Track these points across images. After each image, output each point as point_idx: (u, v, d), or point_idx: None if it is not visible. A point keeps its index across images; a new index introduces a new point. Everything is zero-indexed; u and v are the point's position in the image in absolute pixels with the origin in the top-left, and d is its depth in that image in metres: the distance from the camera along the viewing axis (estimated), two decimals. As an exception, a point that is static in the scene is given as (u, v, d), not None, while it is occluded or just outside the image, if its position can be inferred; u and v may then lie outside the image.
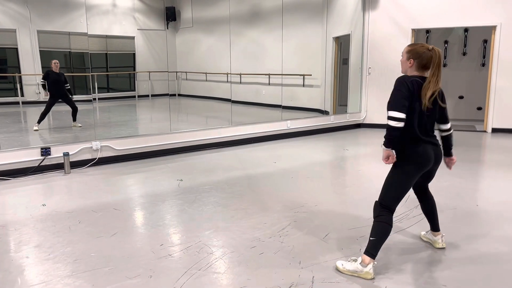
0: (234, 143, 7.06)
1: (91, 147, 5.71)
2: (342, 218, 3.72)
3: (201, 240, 3.26)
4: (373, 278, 2.68)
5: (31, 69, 11.86)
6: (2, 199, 4.33)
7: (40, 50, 12.31)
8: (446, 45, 9.67)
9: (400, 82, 2.64)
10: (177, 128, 7.01)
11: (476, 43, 9.48)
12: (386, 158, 2.67)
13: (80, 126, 7.71)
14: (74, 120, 7.90)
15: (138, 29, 14.09)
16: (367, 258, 2.69)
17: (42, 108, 12.41)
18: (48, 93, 7.71)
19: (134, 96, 14.11)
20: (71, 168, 5.42)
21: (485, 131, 8.25)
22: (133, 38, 14.11)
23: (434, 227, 3.12)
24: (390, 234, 2.74)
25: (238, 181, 4.95)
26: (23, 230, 3.49)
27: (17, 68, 11.71)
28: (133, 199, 4.36)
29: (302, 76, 10.81)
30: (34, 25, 12.17)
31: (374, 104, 8.78)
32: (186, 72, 14.07)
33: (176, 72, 14.39)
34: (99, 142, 5.76)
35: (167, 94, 14.61)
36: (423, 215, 3.28)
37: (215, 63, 13.40)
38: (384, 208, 2.72)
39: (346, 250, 3.09)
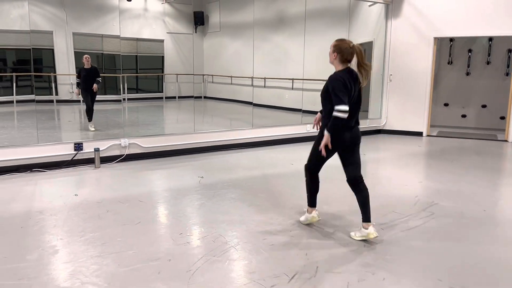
0: (254, 145, 7.34)
1: (120, 144, 6.09)
2: (351, 217, 3.93)
3: (217, 231, 3.54)
4: (317, 221, 3.62)
5: (65, 69, 12.47)
6: (39, 189, 4.73)
7: (74, 52, 12.92)
8: (470, 53, 9.69)
9: (337, 80, 3.16)
10: (201, 129, 7.32)
11: (500, 52, 9.46)
12: (324, 145, 3.20)
13: (94, 130, 7.58)
14: (90, 119, 7.90)
15: (167, 33, 14.57)
16: (309, 208, 3.66)
17: (74, 106, 13.03)
18: (79, 90, 7.99)
19: (161, 98, 14.57)
20: (101, 163, 5.80)
21: (506, 141, 8.25)
22: (162, 41, 14.60)
23: (366, 218, 3.35)
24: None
25: (256, 180, 5.21)
26: (58, 216, 3.85)
27: (53, 68, 12.35)
28: (157, 192, 4.68)
29: (324, 82, 10.93)
30: (70, 27, 12.77)
31: (394, 110, 8.90)
32: (212, 75, 14.42)
33: (203, 75, 14.77)
34: (127, 139, 6.14)
35: (193, 96, 15.05)
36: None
37: (240, 67, 13.71)
38: (308, 171, 3.57)
39: (352, 245, 3.30)
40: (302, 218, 3.72)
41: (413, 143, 8.01)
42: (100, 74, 14.54)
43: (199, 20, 14.79)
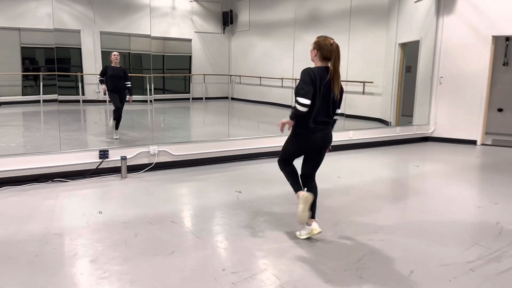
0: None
1: (149, 152, 5.56)
2: (425, 251, 3.25)
3: (267, 267, 2.92)
4: (318, 233, 3.33)
5: (92, 68, 12.12)
6: (60, 203, 4.22)
7: (102, 51, 12.58)
8: (528, 54, 8.81)
9: (304, 72, 3.11)
10: (231, 133, 6.73)
11: None
12: (283, 125, 3.16)
13: (117, 138, 6.99)
14: (117, 127, 7.18)
15: (195, 32, 14.06)
16: (298, 192, 3.39)
17: (100, 106, 12.67)
18: (105, 87, 7.13)
19: (188, 98, 14.12)
20: (128, 172, 5.28)
21: None
22: (190, 40, 14.11)
23: (312, 214, 3.39)
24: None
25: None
26: (79, 241, 3.31)
27: (80, 68, 12.02)
28: (191, 210, 4.11)
29: (362, 83, 10.28)
30: (97, 26, 12.44)
31: (444, 116, 8.10)
32: (240, 76, 13.84)
33: (230, 75, 14.24)
34: (156, 146, 5.60)
35: (220, 97, 14.52)
36: None
37: (269, 68, 13.11)
38: (281, 163, 3.49)
39: (436, 292, 2.64)
40: (302, 232, 3.44)
41: (467, 153, 7.22)
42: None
43: (227, 19, 14.31)
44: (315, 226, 3.33)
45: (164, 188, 4.86)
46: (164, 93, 14.43)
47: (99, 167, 5.21)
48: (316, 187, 3.46)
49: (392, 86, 9.09)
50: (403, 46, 8.79)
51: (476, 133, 7.87)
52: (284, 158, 3.46)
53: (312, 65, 3.26)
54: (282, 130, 3.18)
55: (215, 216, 3.94)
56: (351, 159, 6.65)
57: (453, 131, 8.02)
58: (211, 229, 3.64)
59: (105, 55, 12.76)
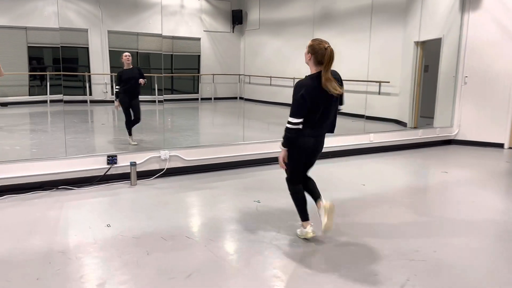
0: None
1: (159, 157, 5.21)
2: (474, 273, 2.87)
3: (298, 294, 2.56)
4: (314, 235, 3.34)
5: (99, 68, 11.84)
6: (65, 214, 3.88)
7: (109, 50, 12.30)
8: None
9: (298, 89, 3.02)
10: (243, 135, 6.36)
11: None
12: (283, 160, 3.22)
13: (136, 144, 6.36)
14: (130, 132, 6.52)
15: (204, 31, 13.72)
16: (303, 222, 3.37)
17: (108, 107, 12.39)
18: (118, 102, 6.43)
19: (197, 99, 13.81)
20: (137, 179, 4.94)
21: None
22: (199, 39, 13.77)
23: (317, 197, 3.35)
24: None
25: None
26: (85, 260, 2.97)
27: (87, 67, 11.74)
28: (207, 224, 3.75)
29: (378, 83, 9.89)
30: (105, 25, 12.16)
31: (469, 118, 7.68)
32: (249, 76, 13.47)
33: (239, 75, 13.91)
34: (167, 151, 5.25)
35: (230, 98, 14.18)
36: None
37: (281, 67, 12.75)
38: (290, 183, 3.40)
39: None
40: (298, 232, 3.47)
41: (495, 157, 6.80)
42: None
43: (237, 18, 13.98)
44: (326, 202, 3.23)
45: (176, 197, 4.51)
46: (172, 93, 14.14)
47: (107, 173, 4.88)
48: (311, 179, 3.47)
49: (410, 86, 8.70)
50: (421, 44, 8.40)
51: (503, 136, 7.44)
52: (291, 175, 3.37)
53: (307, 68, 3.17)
54: (283, 166, 3.25)
55: (234, 230, 3.58)
56: (373, 164, 6.27)
57: (478, 134, 7.60)
58: (230, 247, 3.29)
59: (113, 54, 12.52)
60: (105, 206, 4.14)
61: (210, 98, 13.88)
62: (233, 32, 14.18)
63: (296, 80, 3.13)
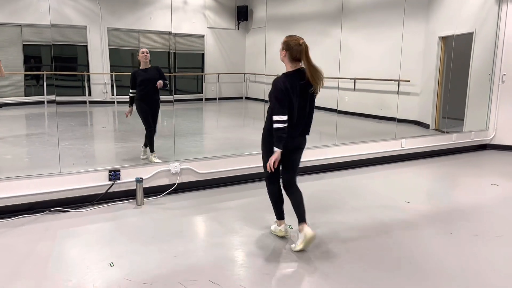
0: (335, 167, 5.61)
1: (169, 170, 4.50)
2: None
3: None
4: (286, 235, 3.36)
5: (99, 67, 11.13)
6: (58, 248, 3.15)
7: (109, 48, 11.61)
8: None
9: (276, 86, 2.97)
10: (252, 139, 5.64)
11: None
12: (274, 163, 2.99)
13: (159, 161, 4.88)
14: (152, 149, 5.20)
15: (208, 28, 12.98)
16: (278, 221, 3.37)
17: (107, 108, 11.67)
18: (132, 109, 5.30)
19: (201, 99, 13.11)
20: (144, 197, 4.22)
21: None
22: (202, 36, 13.03)
23: (302, 217, 3.14)
24: None
25: (367, 232, 3.49)
26: (82, 322, 2.25)
27: (86, 66, 11.04)
28: (234, 261, 3.02)
29: (397, 82, 9.19)
30: (104, 22, 11.46)
31: (507, 120, 6.96)
32: (255, 74, 12.75)
33: (244, 74, 13.20)
34: (178, 163, 4.53)
35: (235, 98, 13.47)
36: None
37: None
38: (266, 181, 3.29)
39: None
40: (272, 228, 3.49)
41: (542, 165, 6.08)
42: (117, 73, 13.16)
43: (242, 15, 13.27)
44: (307, 230, 3.07)
45: (191, 221, 3.79)
46: (175, 94, 13.43)
47: (109, 191, 4.17)
48: (300, 193, 3.21)
49: (434, 85, 8.00)
50: (445, 39, 7.71)
51: (546, 141, 6.73)
52: (264, 170, 3.19)
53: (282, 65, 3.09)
54: (274, 168, 3.01)
55: (271, 270, 2.86)
56: (409, 174, 5.55)
57: (518, 138, 6.88)
58: (268, 295, 2.57)
59: (113, 52, 11.80)
60: (106, 235, 3.42)
61: (214, 98, 13.17)
62: (238, 29, 13.50)
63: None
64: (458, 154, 6.76)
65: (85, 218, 3.76)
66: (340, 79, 10.07)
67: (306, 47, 2.99)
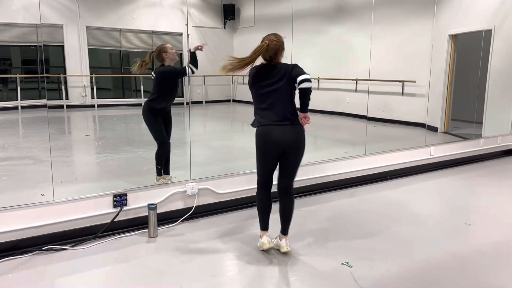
0: (364, 180, 4.95)
1: (185, 192, 3.73)
2: None
3: None
4: (269, 248, 3.05)
5: (77, 69, 10.23)
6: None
7: (88, 48, 10.72)
8: None
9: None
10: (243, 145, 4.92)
11: None
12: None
13: (171, 181, 4.07)
14: (168, 171, 4.23)
15: (193, 26, 12.16)
16: (260, 232, 3.09)
17: (87, 112, 10.75)
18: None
19: (186, 103, 12.33)
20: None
21: None
22: (180, 34, 12.19)
23: (284, 230, 3.05)
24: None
25: (451, 276, 2.82)
26: None
27: (63, 68, 10.12)
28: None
29: (401, 83, 8.70)
30: (83, 21, 10.58)
31: (534, 123, 6.48)
32: (243, 76, 11.97)
33: (232, 76, 12.45)
34: (196, 183, 3.77)
35: (222, 100, 12.74)
36: None
37: None
38: (258, 186, 3.07)
39: None
40: (258, 243, 3.13)
41: None
42: (119, 75, 12.26)
43: (229, 14, 12.56)
44: (283, 243, 3.01)
45: (218, 260, 3.02)
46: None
47: (115, 219, 3.37)
48: (292, 201, 3.04)
49: (444, 85, 7.52)
50: (455, 37, 7.23)
51: None
52: (257, 173, 3.05)
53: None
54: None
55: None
56: (447, 185, 4.96)
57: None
58: None
59: (92, 53, 10.88)
60: (119, 284, 2.63)
61: (201, 102, 12.41)
62: (224, 28, 12.77)
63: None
64: (486, 161, 6.22)
65: (88, 260, 2.95)
66: (343, 80, 9.52)
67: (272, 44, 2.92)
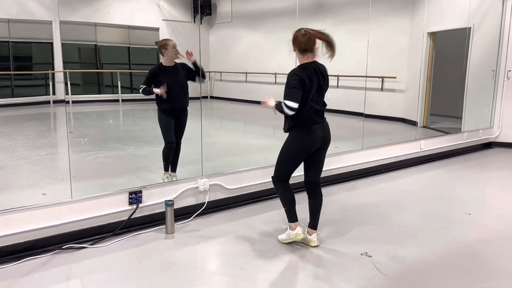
0: (362, 173, 5.12)
1: (196, 188, 3.75)
2: None
3: None
4: (304, 237, 3.11)
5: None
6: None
7: (62, 43, 10.42)
8: None
9: (293, 76, 2.88)
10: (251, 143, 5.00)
11: None
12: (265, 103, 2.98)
13: (175, 179, 4.04)
14: (174, 169, 4.19)
15: (163, 20, 11.96)
16: (292, 224, 3.10)
17: (61, 108, 10.49)
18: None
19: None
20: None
21: None
22: (157, 29, 12.04)
23: (313, 224, 3.14)
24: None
25: (465, 262, 3.00)
26: None
27: (51, 65, 9.90)
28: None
29: (381, 79, 8.94)
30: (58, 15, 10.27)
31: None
32: (220, 72, 12.02)
33: (209, 72, 12.44)
34: (207, 179, 3.80)
35: (197, 97, 12.67)
36: None
37: (259, 62, 11.48)
38: (277, 181, 3.09)
39: None
40: (283, 236, 3.18)
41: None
42: (95, 70, 11.96)
43: (206, 9, 12.42)
44: (314, 238, 3.11)
45: (238, 254, 3.07)
46: (132, 92, 12.40)
47: (132, 216, 3.36)
48: (321, 196, 3.17)
49: (423, 81, 7.81)
50: (434, 35, 7.52)
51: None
52: (280, 171, 3.07)
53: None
54: (265, 103, 2.98)
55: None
56: (441, 178, 5.19)
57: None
58: None
59: (66, 48, 10.58)
60: (150, 281, 2.64)
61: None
62: (201, 23, 12.64)
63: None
64: (469, 154, 6.52)
65: (111, 257, 2.94)
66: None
67: (312, 30, 2.91)
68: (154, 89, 3.91)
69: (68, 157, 3.47)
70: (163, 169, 4.17)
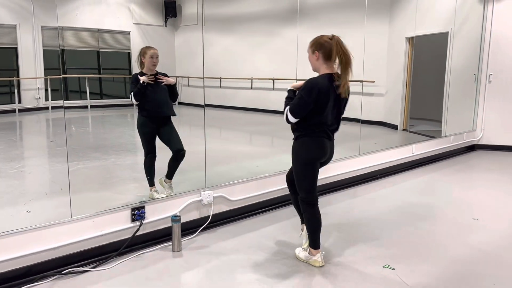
0: (359, 179, 5.03)
1: (200, 201, 3.52)
2: None
3: None
4: (323, 265, 2.88)
5: (31, 71, 9.44)
6: None
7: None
8: None
9: (312, 87, 2.67)
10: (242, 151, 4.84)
11: None
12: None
13: (171, 192, 3.83)
14: (170, 176, 3.91)
15: (134, 23, 11.62)
16: (313, 250, 2.91)
17: (40, 115, 9.95)
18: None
19: (131, 104, 11.77)
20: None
21: None
22: (128, 33, 11.69)
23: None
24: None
25: (486, 270, 2.93)
26: None
27: (15, 71, 9.30)
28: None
29: (360, 83, 8.97)
30: (37, 20, 9.78)
31: (494, 120, 6.95)
32: (188, 77, 11.69)
33: (176, 77, 12.13)
34: (211, 191, 3.58)
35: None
36: None
37: (233, 67, 11.32)
38: (305, 203, 2.88)
39: None
40: (301, 255, 3.00)
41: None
42: (73, 75, 11.40)
43: (170, 11, 12.06)
44: (318, 258, 2.91)
45: (262, 269, 2.89)
46: (102, 98, 11.96)
47: (136, 234, 3.10)
48: (319, 213, 2.93)
49: (403, 85, 7.88)
50: (412, 40, 7.62)
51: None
52: (302, 189, 2.87)
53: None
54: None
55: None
56: (438, 182, 5.17)
57: (506, 137, 6.90)
58: None
59: (47, 54, 10.03)
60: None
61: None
62: (165, 26, 12.24)
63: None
64: (456, 157, 6.59)
65: (119, 281, 2.68)
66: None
67: (339, 40, 2.75)
68: (140, 79, 3.65)
69: (54, 169, 3.17)
70: (148, 183, 3.87)
